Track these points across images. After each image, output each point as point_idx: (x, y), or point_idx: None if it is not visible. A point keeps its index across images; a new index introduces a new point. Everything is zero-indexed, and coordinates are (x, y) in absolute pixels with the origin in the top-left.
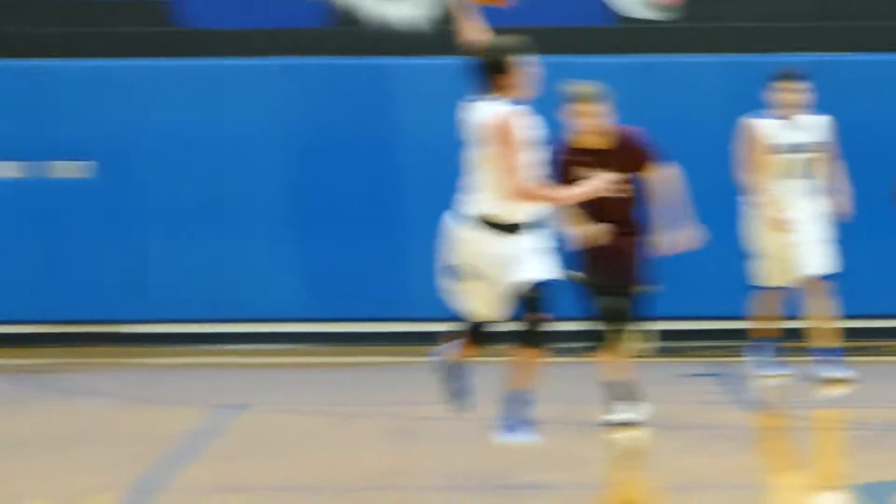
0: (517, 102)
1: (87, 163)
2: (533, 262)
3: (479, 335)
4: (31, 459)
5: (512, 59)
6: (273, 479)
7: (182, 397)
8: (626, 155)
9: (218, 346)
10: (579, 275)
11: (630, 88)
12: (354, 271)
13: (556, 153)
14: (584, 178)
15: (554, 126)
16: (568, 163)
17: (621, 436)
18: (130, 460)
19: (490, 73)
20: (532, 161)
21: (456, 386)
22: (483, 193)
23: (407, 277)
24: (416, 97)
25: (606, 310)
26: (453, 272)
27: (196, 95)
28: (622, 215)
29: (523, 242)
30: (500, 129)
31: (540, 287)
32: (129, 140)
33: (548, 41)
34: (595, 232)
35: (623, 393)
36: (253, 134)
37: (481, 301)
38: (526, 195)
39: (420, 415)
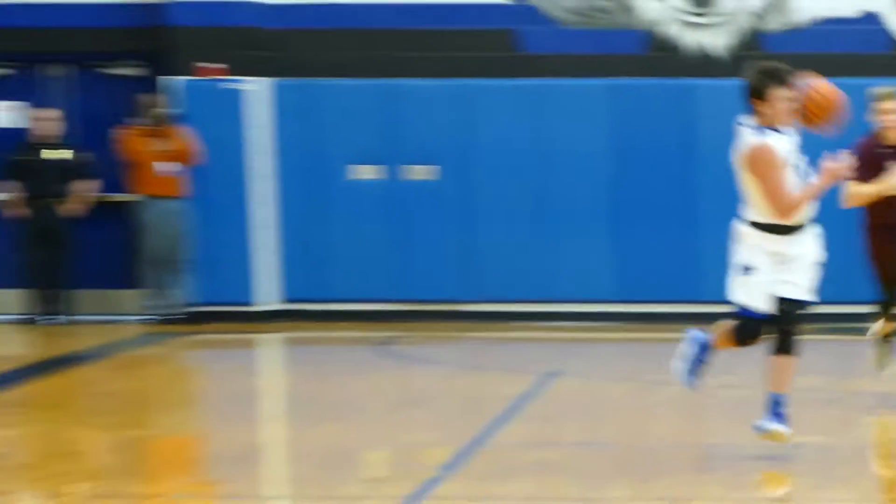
0: (776, 128)
1: (434, 167)
2: (798, 275)
3: (745, 329)
4: (379, 416)
5: (771, 86)
6: (581, 437)
7: (507, 366)
8: None
9: (539, 323)
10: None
11: None
12: (657, 260)
13: (860, 148)
14: (886, 168)
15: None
16: (872, 156)
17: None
18: (463, 418)
19: (751, 98)
20: (791, 183)
21: (699, 364)
22: (753, 207)
23: (700, 266)
24: (713, 114)
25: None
26: (736, 268)
27: (528, 111)
28: None
29: (796, 247)
30: (754, 157)
31: (797, 303)
32: (469, 148)
33: (835, 66)
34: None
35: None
36: (575, 143)
37: (753, 296)
38: (792, 210)
39: (714, 384)
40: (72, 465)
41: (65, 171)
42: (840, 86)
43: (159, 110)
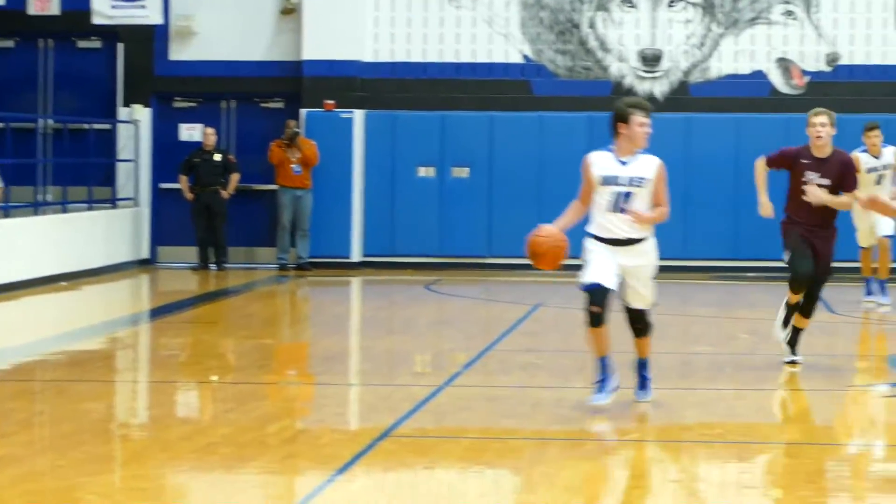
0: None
1: (470, 169)
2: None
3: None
4: (424, 331)
5: (624, 114)
6: (556, 346)
7: (510, 299)
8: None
9: (532, 271)
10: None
11: None
12: None
13: (789, 152)
14: (803, 176)
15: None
16: (796, 163)
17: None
18: (479, 334)
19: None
20: (601, 194)
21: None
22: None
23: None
24: (654, 137)
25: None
26: None
27: (534, 133)
28: (823, 217)
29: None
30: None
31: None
32: (493, 156)
33: (734, 105)
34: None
35: (793, 340)
36: (565, 154)
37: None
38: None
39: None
40: (219, 362)
41: (220, 168)
42: (737, 120)
43: (293, 130)
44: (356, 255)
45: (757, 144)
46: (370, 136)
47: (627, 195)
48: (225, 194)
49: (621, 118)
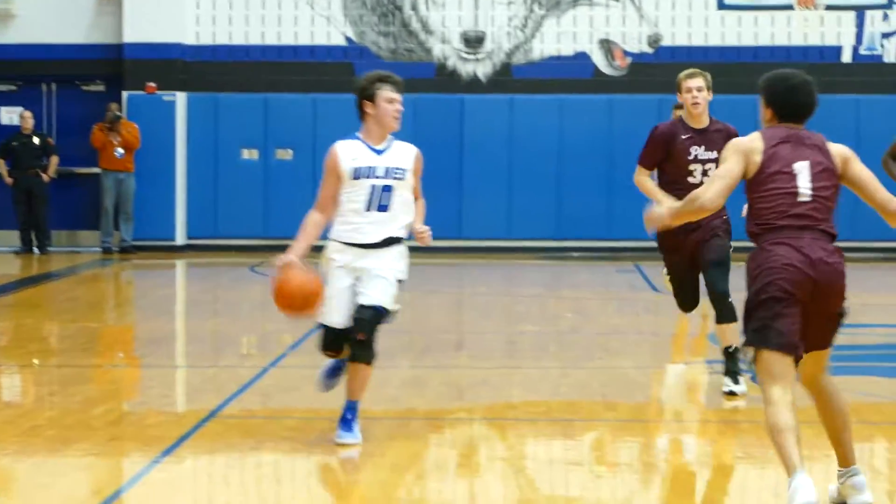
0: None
1: (293, 151)
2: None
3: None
4: (249, 313)
5: (367, 90)
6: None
7: None
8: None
9: None
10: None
11: None
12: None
13: (662, 134)
14: (690, 154)
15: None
16: (675, 142)
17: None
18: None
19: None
20: (353, 191)
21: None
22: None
23: (458, 215)
24: (477, 117)
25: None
26: None
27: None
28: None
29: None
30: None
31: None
32: (317, 139)
33: (557, 86)
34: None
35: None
36: None
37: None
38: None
39: (469, 291)
40: (42, 345)
41: (39, 151)
42: (560, 101)
43: (115, 113)
44: (180, 238)
45: (580, 125)
46: (193, 119)
47: (387, 189)
48: (45, 177)
49: (366, 95)
